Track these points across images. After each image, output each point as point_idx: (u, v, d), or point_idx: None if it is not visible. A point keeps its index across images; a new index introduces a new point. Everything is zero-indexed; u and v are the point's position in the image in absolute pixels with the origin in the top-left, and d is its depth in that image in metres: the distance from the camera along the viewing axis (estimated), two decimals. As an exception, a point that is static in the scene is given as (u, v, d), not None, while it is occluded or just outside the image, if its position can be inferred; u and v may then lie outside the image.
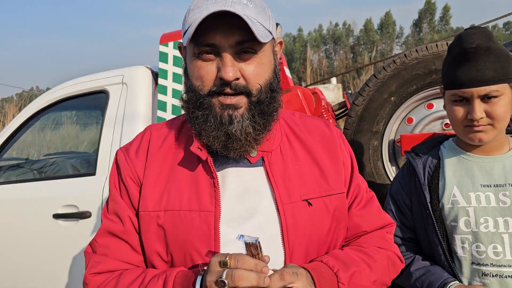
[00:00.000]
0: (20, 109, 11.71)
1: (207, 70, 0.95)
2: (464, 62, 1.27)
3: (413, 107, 2.33)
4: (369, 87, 2.28)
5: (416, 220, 1.42)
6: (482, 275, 1.27)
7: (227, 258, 0.82)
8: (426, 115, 2.30)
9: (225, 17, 0.90)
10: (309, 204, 1.01)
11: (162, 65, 2.44)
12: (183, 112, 1.05)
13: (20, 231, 2.50)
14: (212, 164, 1.00)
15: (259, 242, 0.83)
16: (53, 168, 2.96)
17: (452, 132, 1.60)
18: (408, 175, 1.46)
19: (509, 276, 1.25)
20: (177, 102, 2.37)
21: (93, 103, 2.75)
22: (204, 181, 1.00)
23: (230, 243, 0.95)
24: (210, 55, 0.94)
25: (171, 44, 2.45)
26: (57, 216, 2.39)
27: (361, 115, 2.31)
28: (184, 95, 1.02)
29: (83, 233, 2.34)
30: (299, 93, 2.47)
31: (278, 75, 1.03)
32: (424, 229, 1.39)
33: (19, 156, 3.35)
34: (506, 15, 3.21)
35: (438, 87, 2.18)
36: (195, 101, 0.97)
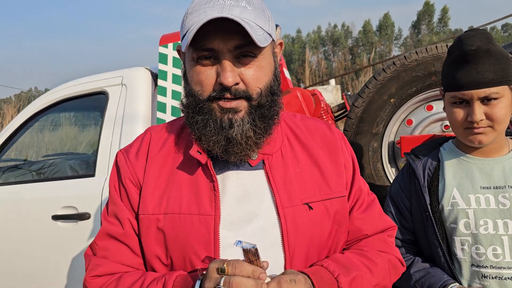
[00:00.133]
0: (18, 110, 11.69)
1: (207, 75, 0.94)
2: (464, 64, 1.28)
3: (412, 109, 2.33)
4: (369, 89, 2.29)
5: (416, 222, 1.42)
6: (481, 277, 1.28)
7: (225, 265, 0.81)
8: (426, 117, 2.31)
9: (224, 21, 0.89)
10: (310, 207, 1.00)
11: (161, 66, 2.44)
12: (182, 114, 1.05)
13: (19, 232, 2.50)
14: (212, 168, 0.99)
15: (256, 249, 0.82)
16: (52, 169, 2.95)
17: (452, 134, 1.60)
18: (407, 177, 1.46)
19: (508, 278, 1.25)
20: (177, 103, 2.38)
21: (93, 104, 2.75)
22: (204, 184, 1.00)
23: (229, 246, 0.94)
24: (209, 60, 0.93)
25: (170, 45, 2.45)
26: (56, 218, 2.39)
27: (361, 116, 2.31)
28: (184, 100, 1.01)
29: (82, 234, 2.34)
30: (298, 95, 2.47)
31: (279, 78, 1.02)
32: (424, 231, 1.39)
33: (18, 157, 3.35)
34: (504, 17, 3.22)
35: (438, 89, 2.19)
36: (195, 106, 0.96)
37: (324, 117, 2.67)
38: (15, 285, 2.55)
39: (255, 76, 0.94)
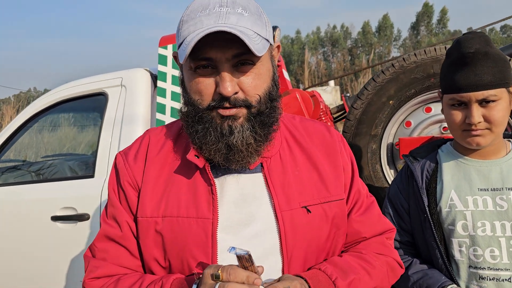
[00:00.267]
0: (17, 111, 11.68)
1: (205, 85, 0.93)
2: (462, 67, 1.28)
3: (411, 110, 2.34)
4: (368, 91, 2.29)
5: (414, 224, 1.43)
6: (479, 279, 1.28)
7: (219, 271, 0.81)
8: (425, 118, 2.31)
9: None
10: (308, 211, 1.00)
11: (161, 68, 2.45)
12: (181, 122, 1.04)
13: (18, 233, 2.50)
14: (210, 171, 0.99)
15: (249, 255, 0.82)
16: (51, 170, 2.95)
17: (450, 136, 1.61)
18: (406, 179, 1.47)
19: (506, 279, 1.25)
20: (176, 105, 2.38)
21: (92, 105, 2.75)
22: (202, 187, 0.99)
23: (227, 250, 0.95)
24: (207, 69, 0.93)
25: (170, 46, 2.46)
26: (55, 218, 2.38)
27: (360, 118, 2.32)
28: (183, 108, 1.01)
29: (81, 235, 2.33)
30: (297, 96, 2.47)
31: (277, 83, 1.01)
32: (422, 233, 1.39)
33: (17, 158, 3.34)
34: (503, 19, 3.23)
35: (436, 91, 2.20)
36: (194, 115, 0.96)
37: (323, 118, 2.68)
38: (15, 285, 2.55)
39: (253, 84, 0.94)
